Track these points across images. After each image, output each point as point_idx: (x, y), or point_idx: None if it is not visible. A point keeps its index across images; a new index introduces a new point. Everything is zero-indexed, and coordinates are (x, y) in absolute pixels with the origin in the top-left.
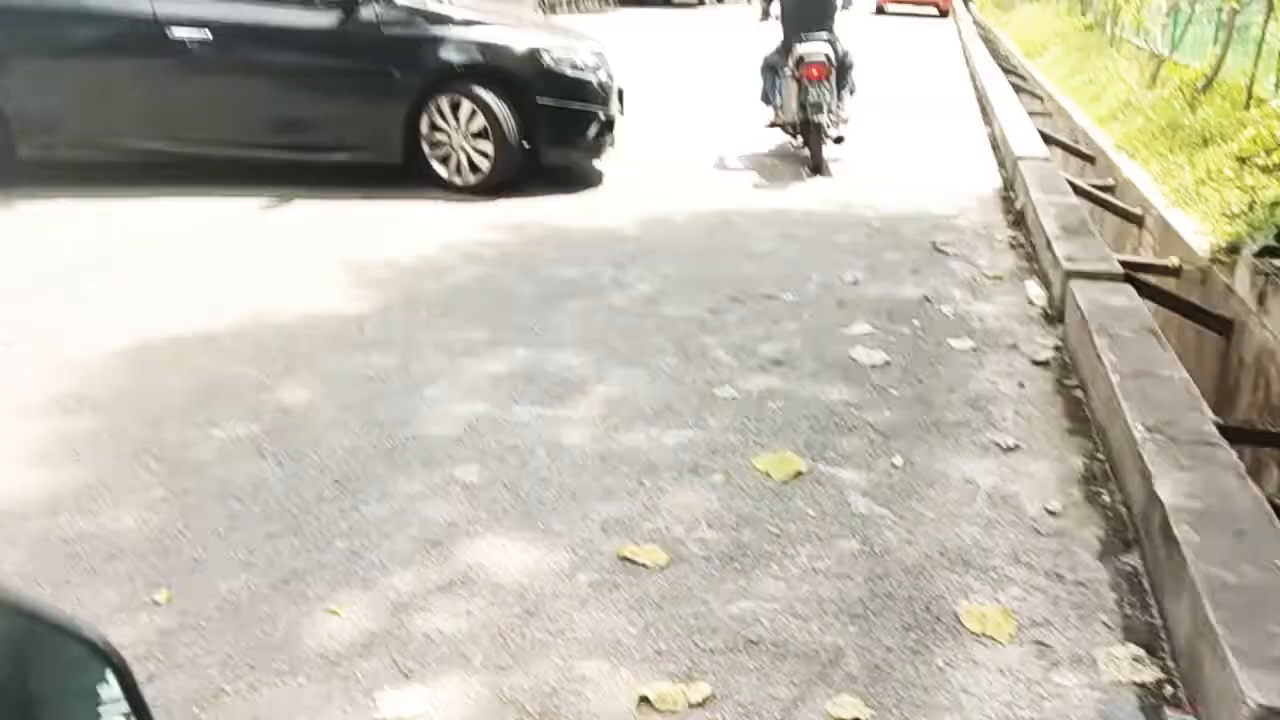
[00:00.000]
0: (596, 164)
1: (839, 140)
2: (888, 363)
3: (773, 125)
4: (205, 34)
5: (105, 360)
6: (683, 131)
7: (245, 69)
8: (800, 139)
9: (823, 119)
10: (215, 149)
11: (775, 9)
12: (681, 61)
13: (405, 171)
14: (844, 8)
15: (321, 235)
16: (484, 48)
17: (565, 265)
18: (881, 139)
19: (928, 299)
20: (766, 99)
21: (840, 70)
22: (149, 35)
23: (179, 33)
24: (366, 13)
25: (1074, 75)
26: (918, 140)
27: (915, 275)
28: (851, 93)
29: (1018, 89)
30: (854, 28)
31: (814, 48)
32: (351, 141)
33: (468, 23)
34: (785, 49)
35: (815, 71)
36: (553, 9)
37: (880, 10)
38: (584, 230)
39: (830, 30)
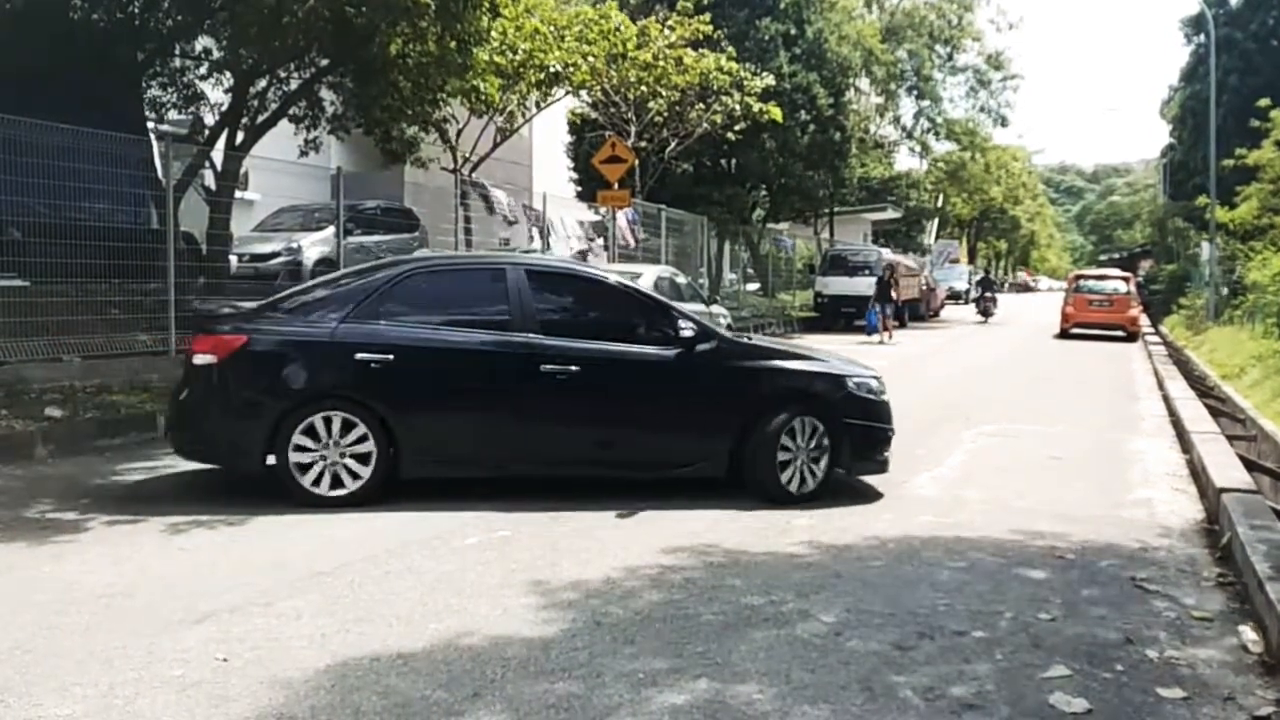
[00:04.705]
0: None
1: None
2: (1090, 710)
3: (977, 312)
4: (573, 368)
5: (309, 678)
6: None
7: (601, 396)
8: (982, 316)
9: (988, 310)
10: (567, 468)
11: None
12: None
13: (729, 482)
14: (1000, 290)
15: (523, 555)
16: (797, 374)
17: (748, 592)
18: (1072, 466)
19: (1130, 640)
20: (976, 306)
21: (994, 299)
22: (525, 371)
23: (549, 368)
24: (704, 347)
25: (1277, 399)
26: (1111, 468)
27: (1115, 614)
28: (995, 303)
29: (1216, 412)
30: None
31: (988, 292)
32: (684, 459)
33: (777, 354)
34: (981, 294)
35: (989, 296)
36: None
37: (1064, 334)
38: (768, 555)
39: (993, 290)
